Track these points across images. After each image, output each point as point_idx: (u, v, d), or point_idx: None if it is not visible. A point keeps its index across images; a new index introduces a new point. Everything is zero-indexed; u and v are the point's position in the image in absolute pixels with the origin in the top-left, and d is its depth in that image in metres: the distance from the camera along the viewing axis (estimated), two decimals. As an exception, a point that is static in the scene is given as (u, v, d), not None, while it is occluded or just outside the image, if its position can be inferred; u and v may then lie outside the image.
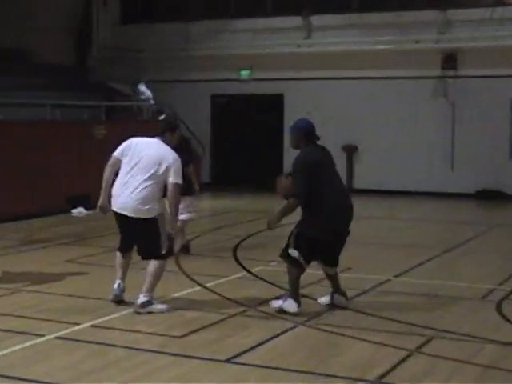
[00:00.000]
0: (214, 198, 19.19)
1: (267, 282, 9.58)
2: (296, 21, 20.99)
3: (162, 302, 8.34)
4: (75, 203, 15.69)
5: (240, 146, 21.94)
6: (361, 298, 8.97)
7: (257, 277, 9.91)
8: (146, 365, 6.56)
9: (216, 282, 9.60)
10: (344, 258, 11.37)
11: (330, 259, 8.39)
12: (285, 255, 8.18)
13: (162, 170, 8.06)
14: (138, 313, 8.04)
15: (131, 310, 8.24)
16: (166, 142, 8.33)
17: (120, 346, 7.01)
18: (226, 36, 21.71)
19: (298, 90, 21.03)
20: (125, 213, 8.12)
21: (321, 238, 8.06)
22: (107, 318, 7.96)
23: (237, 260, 10.14)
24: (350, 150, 20.56)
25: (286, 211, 8.08)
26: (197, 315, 8.14)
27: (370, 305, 8.59)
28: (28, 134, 15.02)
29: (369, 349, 7.03)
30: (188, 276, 9.80)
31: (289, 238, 8.22)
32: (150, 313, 8.05)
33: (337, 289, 8.49)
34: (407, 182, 19.95)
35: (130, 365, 6.55)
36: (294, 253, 8.06)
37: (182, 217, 10.32)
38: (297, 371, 6.40)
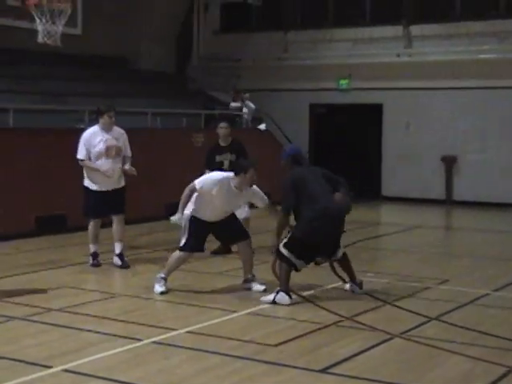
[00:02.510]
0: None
1: (364, 293, 9.52)
2: (395, 30, 20.85)
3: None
4: (173, 210, 15.81)
5: (339, 156, 21.88)
6: (458, 311, 8.82)
7: (351, 288, 9.84)
8: (241, 372, 6.60)
9: (312, 291, 9.60)
10: (442, 270, 11.36)
11: (326, 254, 9.39)
12: (276, 251, 9.13)
13: None
14: None
15: (227, 317, 8.34)
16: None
17: (215, 353, 7.06)
18: (324, 45, 21.72)
19: (398, 99, 20.87)
20: None
21: (305, 242, 9.01)
22: (202, 324, 8.03)
23: (333, 270, 10.10)
24: (450, 161, 20.28)
25: (279, 229, 9.13)
26: (292, 324, 8.15)
27: (467, 319, 8.45)
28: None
29: (466, 364, 6.90)
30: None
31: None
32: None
33: (351, 278, 9.52)
34: (508, 194, 19.54)
35: (225, 372, 6.60)
36: (283, 250, 9.02)
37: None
38: (391, 383, 6.34)
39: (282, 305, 8.84)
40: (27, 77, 16.83)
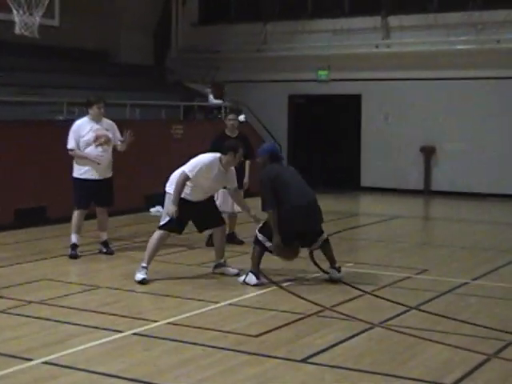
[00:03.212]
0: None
1: (343, 282, 9.56)
2: (374, 21, 20.87)
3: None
4: (153, 202, 15.80)
5: (317, 146, 21.94)
6: (438, 300, 8.89)
7: (330, 275, 9.89)
8: (223, 363, 6.62)
9: (292, 281, 9.63)
10: (420, 259, 11.44)
11: (305, 241, 9.65)
12: (255, 236, 9.60)
13: None
14: None
15: (207, 308, 8.37)
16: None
17: (197, 344, 7.08)
18: (303, 36, 21.71)
19: (376, 90, 20.91)
20: None
21: (284, 234, 9.30)
22: (184, 315, 8.05)
23: (313, 260, 10.15)
24: (428, 152, 20.35)
25: (274, 225, 9.26)
26: (272, 315, 8.18)
27: (446, 308, 8.51)
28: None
29: (445, 352, 6.96)
30: (264, 276, 9.85)
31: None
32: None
33: (331, 263, 9.70)
34: (486, 183, 19.65)
35: (206, 363, 6.62)
36: (259, 235, 9.48)
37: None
38: (372, 373, 6.38)
39: (249, 284, 9.35)
40: (5, 68, 16.70)
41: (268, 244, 9.41)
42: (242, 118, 20.30)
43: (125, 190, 14.84)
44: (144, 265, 9.63)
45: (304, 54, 21.44)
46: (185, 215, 9.64)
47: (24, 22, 13.61)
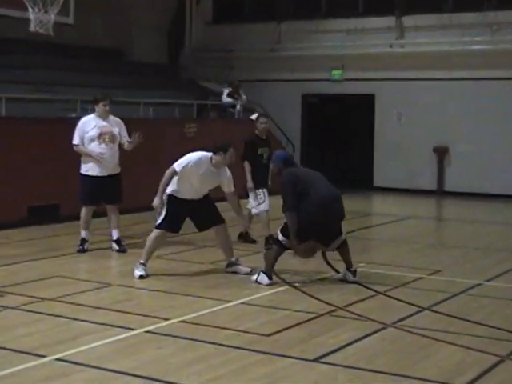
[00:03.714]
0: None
1: (356, 282, 9.54)
2: (388, 21, 20.84)
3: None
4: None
5: (330, 146, 21.92)
6: (451, 301, 8.86)
7: (345, 276, 9.87)
8: (235, 362, 6.61)
9: (305, 281, 9.62)
10: (433, 260, 11.41)
11: (325, 240, 9.54)
12: (273, 237, 9.69)
13: None
14: None
15: (220, 307, 8.36)
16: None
17: (209, 342, 7.08)
18: (317, 36, 21.69)
19: (390, 90, 20.88)
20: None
21: (308, 229, 9.26)
22: (196, 314, 8.05)
23: (326, 260, 10.13)
24: (441, 152, 20.31)
25: (292, 229, 9.21)
26: (285, 314, 8.17)
27: (459, 309, 8.48)
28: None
29: (458, 353, 6.93)
30: (277, 275, 9.83)
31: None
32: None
33: (348, 266, 9.61)
34: (500, 184, 19.58)
35: (218, 361, 6.61)
36: (281, 237, 9.35)
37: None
38: (384, 373, 6.36)
39: (261, 284, 9.30)
40: (19, 66, 16.77)
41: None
42: (254, 116, 20.31)
43: (138, 189, 14.87)
44: (142, 261, 9.76)
45: (318, 54, 21.43)
46: (179, 213, 9.74)
47: (39, 20, 13.65)
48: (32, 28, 13.68)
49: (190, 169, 9.56)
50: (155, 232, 9.83)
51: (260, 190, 11.78)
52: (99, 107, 11.34)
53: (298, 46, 21.71)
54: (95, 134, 11.24)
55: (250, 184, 11.72)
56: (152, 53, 21.98)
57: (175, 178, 9.63)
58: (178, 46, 23.50)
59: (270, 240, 9.88)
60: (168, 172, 9.59)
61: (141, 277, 9.63)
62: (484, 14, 19.55)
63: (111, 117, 11.48)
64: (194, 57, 23.09)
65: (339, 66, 21.43)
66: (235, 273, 9.95)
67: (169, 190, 9.70)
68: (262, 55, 22.07)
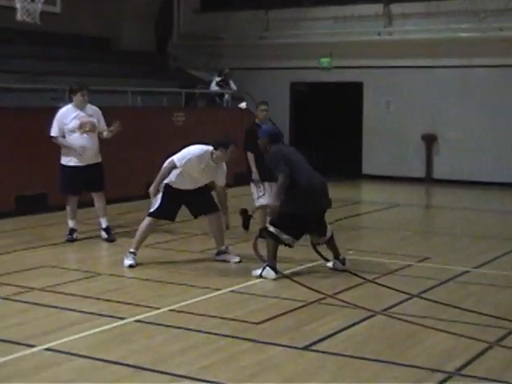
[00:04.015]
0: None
1: (345, 270, 9.56)
2: (376, 8, 20.81)
3: None
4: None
5: (318, 134, 21.91)
6: (439, 288, 8.89)
7: (334, 265, 9.89)
8: (225, 350, 6.63)
9: (293, 269, 9.63)
10: (422, 247, 11.44)
11: (315, 231, 9.51)
12: (265, 229, 9.47)
13: None
14: None
15: (210, 295, 8.38)
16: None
17: (199, 331, 7.09)
18: (305, 24, 21.64)
19: (378, 78, 20.87)
20: None
21: (296, 216, 9.15)
22: (186, 302, 8.05)
23: (315, 248, 10.15)
24: (430, 140, 20.34)
25: (280, 189, 9.09)
26: (274, 302, 8.19)
27: (448, 296, 8.51)
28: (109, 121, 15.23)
29: (447, 340, 6.96)
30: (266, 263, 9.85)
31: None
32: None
33: (336, 255, 9.58)
34: (488, 172, 19.62)
35: (208, 350, 6.63)
36: (270, 228, 9.19)
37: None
38: (374, 360, 6.39)
39: (268, 279, 9.06)
40: (6, 55, 16.68)
41: (284, 237, 9.19)
42: (243, 105, 20.31)
43: (126, 177, 14.87)
44: (132, 250, 9.78)
45: (306, 42, 21.38)
46: (174, 202, 9.75)
47: (26, 9, 13.61)
48: (19, 17, 13.63)
49: (192, 163, 9.54)
50: (147, 220, 9.84)
51: (263, 183, 11.39)
52: (77, 97, 11.31)
53: (287, 33, 21.65)
54: (75, 126, 11.23)
55: (254, 175, 11.37)
56: (140, 41, 21.89)
57: (175, 171, 9.61)
58: (166, 34, 23.41)
59: (263, 233, 9.76)
60: (166, 165, 9.56)
61: (130, 266, 9.64)
62: (471, 2, 19.55)
63: (88, 105, 11.46)
64: (183, 45, 23.01)
65: (327, 54, 21.40)
66: (224, 261, 9.96)
67: (166, 179, 9.68)
68: (251, 43, 22.01)
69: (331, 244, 9.62)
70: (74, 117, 11.27)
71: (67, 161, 11.35)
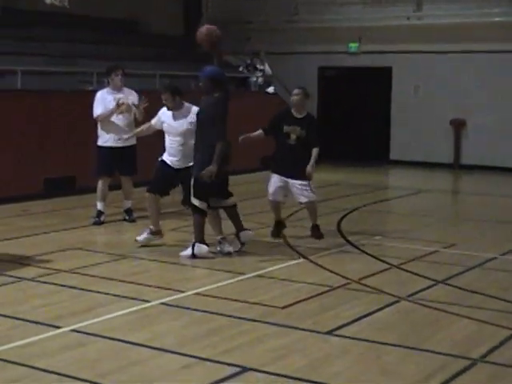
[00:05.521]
0: (323, 171, 19.09)
1: (370, 255, 9.56)
2: (406, -7, 20.70)
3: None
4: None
5: (346, 119, 21.84)
6: (466, 275, 8.86)
7: (360, 250, 9.88)
8: (249, 334, 6.65)
9: (319, 254, 9.64)
10: (449, 233, 11.40)
11: (222, 193, 9.35)
12: (190, 204, 9.24)
13: None
14: None
15: (235, 279, 8.42)
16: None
17: (223, 315, 7.12)
18: (335, 8, 21.56)
19: (407, 63, 20.75)
20: None
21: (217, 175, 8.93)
22: (210, 286, 8.09)
23: (341, 233, 10.14)
24: (458, 125, 20.21)
25: (219, 156, 8.87)
26: (299, 287, 8.19)
27: (474, 282, 8.48)
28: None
29: (472, 327, 6.95)
30: (292, 248, 9.86)
31: (188, 188, 9.26)
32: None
33: (238, 229, 9.54)
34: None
35: (232, 333, 6.65)
36: (195, 201, 9.08)
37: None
38: (398, 346, 6.38)
39: (203, 255, 9.19)
40: (36, 38, 16.76)
41: (202, 205, 9.14)
42: (271, 89, 20.29)
43: (152, 161, 14.86)
44: (151, 227, 10.02)
45: (335, 26, 21.28)
46: (166, 175, 9.90)
47: (55, -8, 13.64)
48: (48, 1, 13.67)
49: (156, 119, 10.25)
50: (146, 196, 10.04)
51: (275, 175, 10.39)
52: (112, 78, 11.48)
53: (316, 18, 21.56)
54: (114, 107, 11.35)
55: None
56: (169, 24, 21.89)
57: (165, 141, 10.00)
58: (195, 17, 23.38)
59: (193, 210, 9.28)
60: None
61: (137, 241, 9.93)
62: (503, -14, 19.38)
63: (125, 88, 11.62)
64: (211, 29, 22.94)
65: (356, 39, 21.31)
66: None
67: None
68: (279, 27, 21.94)
69: (234, 215, 9.62)
70: (111, 99, 11.40)
71: (104, 141, 11.46)
